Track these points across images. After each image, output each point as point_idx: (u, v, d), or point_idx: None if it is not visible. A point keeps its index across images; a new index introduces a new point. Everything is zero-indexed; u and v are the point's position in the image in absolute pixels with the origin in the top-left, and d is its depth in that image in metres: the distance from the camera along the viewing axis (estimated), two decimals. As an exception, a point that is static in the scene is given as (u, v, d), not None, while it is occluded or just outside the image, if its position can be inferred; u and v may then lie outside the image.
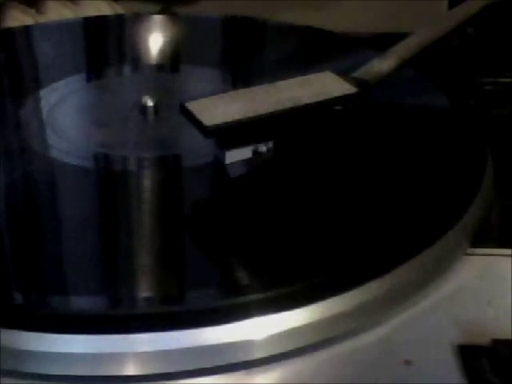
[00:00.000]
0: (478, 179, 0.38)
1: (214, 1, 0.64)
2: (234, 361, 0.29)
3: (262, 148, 0.36)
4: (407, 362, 0.30)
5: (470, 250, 0.35)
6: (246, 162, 0.36)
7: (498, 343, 0.29)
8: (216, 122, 0.35)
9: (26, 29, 0.57)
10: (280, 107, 0.36)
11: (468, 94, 0.48)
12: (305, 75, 0.39)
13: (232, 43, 0.56)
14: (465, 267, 0.34)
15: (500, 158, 0.40)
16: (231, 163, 0.36)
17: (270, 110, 0.36)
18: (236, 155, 0.36)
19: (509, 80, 0.50)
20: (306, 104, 0.37)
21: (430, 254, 0.33)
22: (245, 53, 0.53)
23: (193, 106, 0.36)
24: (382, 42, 0.45)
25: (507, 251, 0.35)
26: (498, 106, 0.48)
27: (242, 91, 0.38)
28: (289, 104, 0.37)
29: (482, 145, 0.40)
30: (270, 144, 0.36)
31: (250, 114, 0.36)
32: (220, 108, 0.36)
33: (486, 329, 0.31)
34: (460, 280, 0.34)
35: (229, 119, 0.35)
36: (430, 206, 0.35)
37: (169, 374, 0.29)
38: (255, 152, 0.36)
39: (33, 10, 0.60)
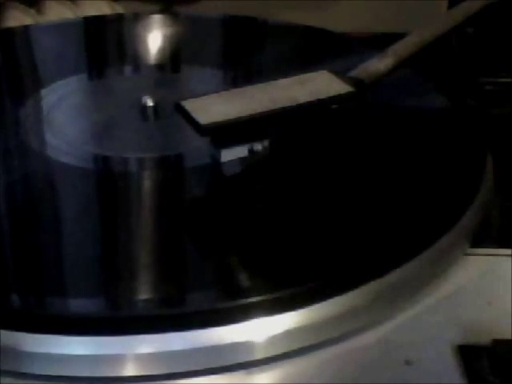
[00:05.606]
0: (477, 179, 0.38)
1: (214, 1, 0.64)
2: (235, 361, 0.29)
3: (258, 147, 0.36)
4: (407, 362, 0.30)
5: (470, 250, 0.35)
6: (242, 160, 0.36)
7: (497, 343, 0.29)
8: (212, 121, 0.35)
9: (26, 29, 0.57)
10: (276, 106, 0.36)
11: (468, 94, 0.48)
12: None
13: (232, 43, 0.56)
14: (465, 267, 0.34)
15: (500, 158, 0.40)
16: (227, 162, 0.36)
17: (265, 109, 0.36)
18: (232, 154, 0.36)
19: (509, 80, 0.50)
20: (302, 103, 0.37)
21: (430, 254, 0.33)
22: (244, 52, 0.53)
23: (188, 105, 0.36)
24: (381, 42, 0.45)
25: (507, 251, 0.35)
26: (498, 106, 0.48)
27: (238, 90, 0.38)
28: (285, 103, 0.37)
29: (482, 145, 0.40)
30: (266, 143, 0.36)
31: (246, 113, 0.36)
32: (216, 106, 0.36)
33: (486, 329, 0.31)
34: (460, 280, 0.34)
35: (225, 118, 0.35)
36: (430, 205, 0.35)
37: (169, 374, 0.29)
38: (251, 151, 0.36)
39: (33, 10, 0.60)
